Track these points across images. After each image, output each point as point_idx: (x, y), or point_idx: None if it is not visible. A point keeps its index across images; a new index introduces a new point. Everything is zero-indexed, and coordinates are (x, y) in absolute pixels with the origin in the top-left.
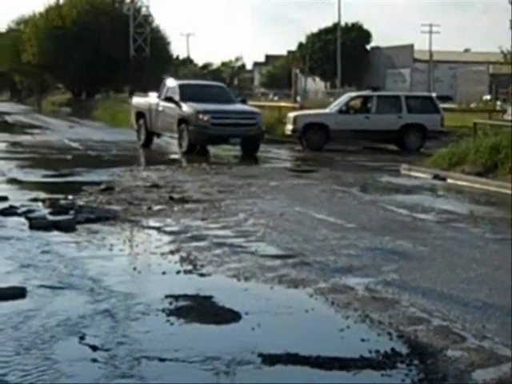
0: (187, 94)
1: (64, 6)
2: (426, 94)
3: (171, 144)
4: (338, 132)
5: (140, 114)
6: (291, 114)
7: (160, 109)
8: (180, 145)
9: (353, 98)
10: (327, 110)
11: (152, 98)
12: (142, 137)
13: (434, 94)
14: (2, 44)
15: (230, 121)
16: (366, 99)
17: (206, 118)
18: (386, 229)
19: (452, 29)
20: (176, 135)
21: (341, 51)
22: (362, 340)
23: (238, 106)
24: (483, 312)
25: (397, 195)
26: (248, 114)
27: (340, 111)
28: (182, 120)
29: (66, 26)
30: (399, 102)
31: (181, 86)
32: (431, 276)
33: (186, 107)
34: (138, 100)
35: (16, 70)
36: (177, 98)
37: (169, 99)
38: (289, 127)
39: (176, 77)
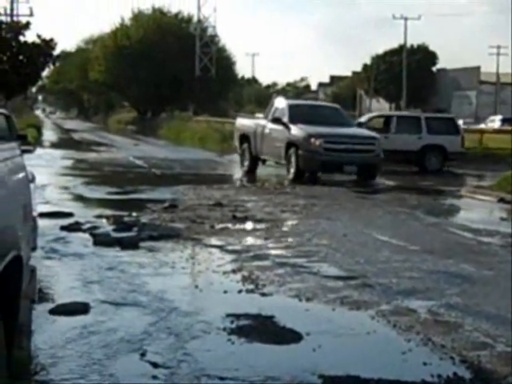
0: (297, 115)
1: (131, 27)
2: (447, 115)
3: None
4: None
5: (244, 137)
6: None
7: (266, 131)
8: (288, 171)
9: (373, 118)
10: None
11: (258, 119)
12: (246, 162)
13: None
14: (70, 63)
15: (345, 146)
16: (386, 119)
17: (318, 142)
18: (449, 251)
19: None
20: (283, 161)
21: (406, 72)
22: (424, 364)
23: (354, 130)
24: None
25: (461, 218)
26: (365, 138)
27: None
28: (291, 144)
29: (132, 45)
30: (419, 123)
31: (290, 107)
32: (495, 300)
33: (296, 130)
34: (242, 121)
35: (83, 88)
36: (286, 119)
37: (277, 121)
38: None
39: (240, 96)
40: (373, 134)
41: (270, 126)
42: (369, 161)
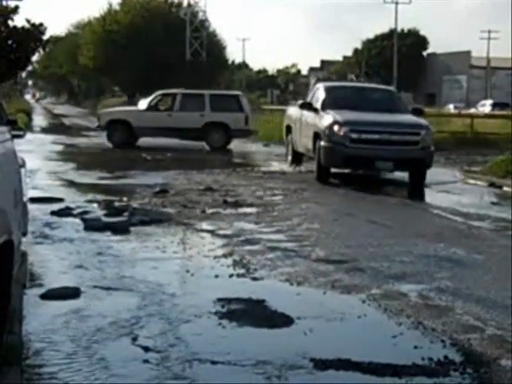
0: (334, 99)
1: (120, 11)
2: (231, 92)
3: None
4: (141, 129)
5: (288, 128)
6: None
7: (303, 120)
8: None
9: (161, 96)
10: (133, 108)
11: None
12: (289, 157)
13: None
14: (60, 48)
15: (379, 136)
16: (172, 97)
17: (342, 130)
18: (440, 236)
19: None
20: (313, 155)
21: (397, 57)
22: (415, 347)
23: (399, 117)
24: None
25: (451, 202)
26: (408, 127)
27: (147, 109)
28: (318, 135)
29: (121, 30)
30: (203, 100)
31: (327, 89)
32: (485, 284)
33: (324, 116)
34: (289, 110)
35: (73, 73)
36: (318, 104)
37: (309, 107)
38: (95, 124)
39: (230, 81)
40: (421, 121)
41: (306, 113)
42: (410, 155)
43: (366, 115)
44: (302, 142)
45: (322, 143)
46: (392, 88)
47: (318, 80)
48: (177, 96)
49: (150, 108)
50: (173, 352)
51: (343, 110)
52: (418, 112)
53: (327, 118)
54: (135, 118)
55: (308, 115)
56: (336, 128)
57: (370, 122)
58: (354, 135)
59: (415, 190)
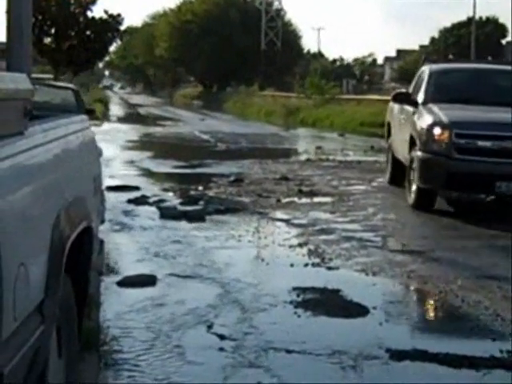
0: (443, 88)
1: (195, 2)
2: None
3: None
4: None
5: (389, 127)
6: None
7: (400, 117)
8: (409, 190)
9: None
10: None
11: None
12: (389, 168)
13: None
14: (137, 38)
15: (502, 144)
16: None
17: (445, 135)
18: None
19: None
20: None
21: (475, 46)
22: (493, 339)
23: None
24: None
25: None
26: None
27: None
28: (413, 140)
29: (197, 20)
30: None
31: (433, 74)
32: None
33: (424, 114)
34: (392, 104)
35: (149, 63)
36: (420, 96)
37: (404, 99)
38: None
39: (305, 71)
40: None
41: (403, 108)
42: None
43: (485, 112)
44: (398, 147)
45: (418, 153)
46: None
47: (426, 60)
48: None
49: None
50: (248, 340)
51: (453, 105)
52: None
53: (426, 117)
54: None
55: (406, 111)
56: (437, 131)
57: (488, 122)
58: (464, 142)
59: None
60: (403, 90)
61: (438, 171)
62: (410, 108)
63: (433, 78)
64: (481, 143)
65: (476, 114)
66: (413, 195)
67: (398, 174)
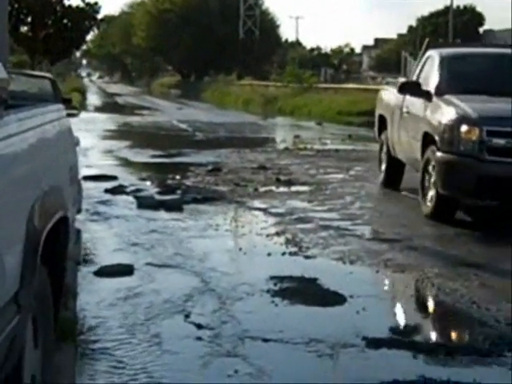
0: (459, 77)
1: None
2: None
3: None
4: None
5: (382, 121)
6: None
7: (406, 110)
8: (422, 194)
9: None
10: None
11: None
12: (383, 165)
13: None
14: (114, 28)
15: None
16: None
17: (474, 133)
18: None
19: None
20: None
21: (453, 34)
22: (469, 327)
23: None
24: None
25: None
26: None
27: None
28: (430, 138)
29: (174, 9)
30: None
31: (447, 61)
32: None
33: (443, 107)
34: (385, 93)
35: (127, 52)
36: (431, 85)
37: (415, 89)
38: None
39: (283, 60)
40: None
41: (409, 100)
42: None
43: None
44: (403, 145)
45: (439, 154)
46: None
47: (430, 45)
48: None
49: None
50: (225, 329)
51: (476, 97)
52: None
53: (448, 111)
54: None
55: (414, 103)
56: (464, 128)
57: None
58: (497, 141)
59: None
60: (413, 80)
61: (464, 175)
62: (420, 100)
63: (446, 65)
64: None
65: (507, 107)
66: (429, 203)
67: (396, 175)
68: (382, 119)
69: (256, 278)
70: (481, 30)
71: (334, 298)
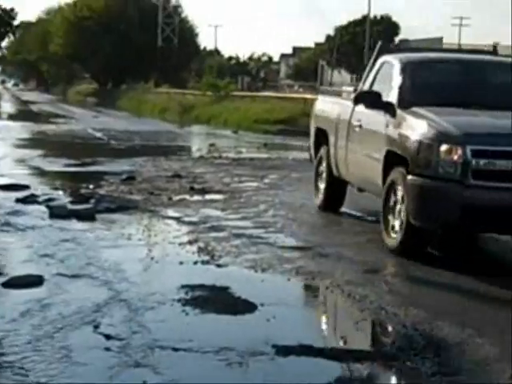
0: (430, 86)
1: None
2: None
3: None
4: None
5: (322, 135)
6: None
7: (355, 124)
8: (384, 224)
9: None
10: None
11: (347, 97)
12: (320, 185)
13: None
14: (31, 34)
15: None
16: None
17: (453, 153)
18: None
19: (483, 21)
20: (381, 194)
21: (369, 43)
22: (378, 333)
23: None
24: None
25: None
26: None
27: None
28: (396, 156)
29: (93, 16)
30: None
31: (410, 67)
32: None
33: (412, 121)
34: (326, 102)
35: (43, 59)
36: (392, 96)
37: (374, 101)
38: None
39: (202, 68)
40: None
41: (363, 112)
42: None
43: (500, 119)
44: (354, 165)
45: (412, 178)
46: None
47: (384, 48)
48: None
49: None
50: (135, 339)
51: (448, 109)
52: None
53: (421, 126)
54: None
55: (369, 116)
56: (445, 148)
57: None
58: (485, 163)
59: None
60: (373, 90)
61: (445, 203)
62: (378, 113)
63: (409, 73)
64: (507, 163)
65: (492, 122)
66: (394, 235)
67: (337, 198)
68: (321, 133)
69: (167, 288)
70: (396, 39)
71: (244, 307)
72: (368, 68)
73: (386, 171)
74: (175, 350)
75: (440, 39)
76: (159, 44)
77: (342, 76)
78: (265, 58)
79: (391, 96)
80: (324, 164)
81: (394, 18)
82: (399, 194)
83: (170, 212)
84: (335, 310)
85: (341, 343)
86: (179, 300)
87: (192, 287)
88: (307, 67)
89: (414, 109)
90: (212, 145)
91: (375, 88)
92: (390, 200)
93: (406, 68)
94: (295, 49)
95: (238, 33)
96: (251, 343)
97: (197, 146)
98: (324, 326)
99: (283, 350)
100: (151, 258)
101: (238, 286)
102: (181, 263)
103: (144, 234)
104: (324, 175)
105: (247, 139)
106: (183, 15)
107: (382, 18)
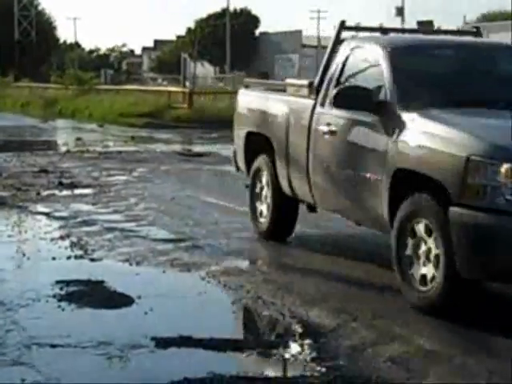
0: (434, 80)
1: None
2: None
3: None
4: None
5: (258, 141)
6: None
7: (323, 130)
8: (404, 278)
9: None
10: None
11: (295, 93)
12: (261, 208)
13: None
14: None
15: None
16: None
17: (506, 175)
18: None
19: (340, 14)
20: (386, 230)
21: (230, 36)
22: (256, 321)
23: None
24: None
25: None
26: None
27: None
28: (410, 177)
29: None
30: None
31: (400, 54)
32: None
33: (439, 128)
34: (257, 100)
35: None
36: (387, 94)
37: (360, 99)
38: None
39: (62, 61)
40: None
41: (332, 114)
42: None
43: None
44: (322, 186)
45: (457, 211)
46: None
47: (342, 28)
48: None
49: None
50: (10, 338)
51: (476, 111)
52: None
53: (458, 136)
54: None
55: (354, 120)
56: (505, 168)
57: None
58: None
59: None
60: (360, 85)
61: (493, 250)
62: (367, 115)
63: (405, 62)
64: None
65: None
66: (423, 288)
67: (289, 222)
68: (257, 139)
69: (41, 284)
70: (256, 32)
71: (121, 300)
72: (326, 55)
73: (397, 198)
74: (53, 346)
75: (299, 32)
76: (16, 37)
77: (205, 68)
78: (125, 49)
79: (382, 93)
80: (265, 179)
81: (254, 12)
82: (423, 232)
83: (40, 207)
84: (213, 301)
85: (220, 333)
86: (54, 296)
87: (67, 282)
88: (170, 60)
89: (433, 111)
90: (78, 139)
91: (344, 81)
92: (408, 240)
93: (398, 55)
94: (156, 41)
95: (98, 26)
96: (130, 336)
97: (63, 140)
98: (202, 317)
99: (163, 342)
100: (23, 255)
101: (113, 280)
102: (53, 259)
103: (14, 230)
104: (268, 194)
105: (113, 132)
106: (40, 7)
107: (241, 11)
